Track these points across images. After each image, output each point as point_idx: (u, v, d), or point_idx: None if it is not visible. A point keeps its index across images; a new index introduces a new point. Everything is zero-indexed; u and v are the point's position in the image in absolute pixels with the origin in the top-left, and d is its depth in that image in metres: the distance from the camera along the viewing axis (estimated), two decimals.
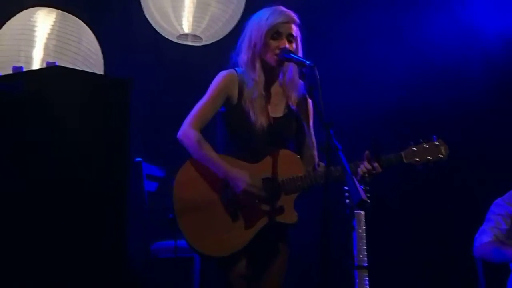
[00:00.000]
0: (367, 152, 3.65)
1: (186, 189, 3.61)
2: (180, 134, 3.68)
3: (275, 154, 3.66)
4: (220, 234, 3.56)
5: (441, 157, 3.73)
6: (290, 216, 3.62)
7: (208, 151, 3.62)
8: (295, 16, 3.76)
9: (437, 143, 3.75)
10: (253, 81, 3.71)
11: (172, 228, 3.62)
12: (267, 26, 3.69)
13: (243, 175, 3.55)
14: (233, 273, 3.62)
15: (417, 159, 3.71)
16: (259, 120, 3.68)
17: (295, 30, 3.74)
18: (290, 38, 3.71)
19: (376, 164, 3.63)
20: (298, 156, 3.76)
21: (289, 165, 3.65)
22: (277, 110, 3.80)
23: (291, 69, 3.78)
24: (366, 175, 3.62)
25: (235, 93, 3.73)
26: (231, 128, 3.75)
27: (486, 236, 4.50)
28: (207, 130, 3.73)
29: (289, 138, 3.81)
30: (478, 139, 5.66)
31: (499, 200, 4.63)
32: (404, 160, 3.70)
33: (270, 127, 3.71)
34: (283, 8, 3.77)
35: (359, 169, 3.62)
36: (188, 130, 3.66)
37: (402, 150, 3.72)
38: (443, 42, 6.06)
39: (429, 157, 3.72)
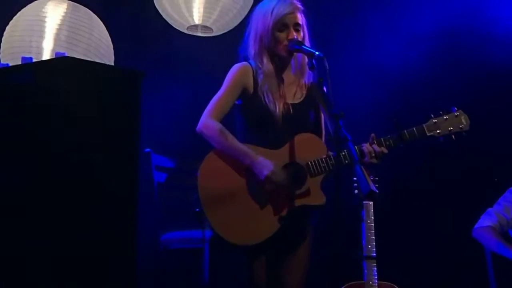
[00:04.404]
0: (372, 134, 3.66)
1: (211, 180, 3.59)
2: (200, 126, 3.66)
3: (297, 138, 3.66)
4: (249, 223, 3.55)
5: (462, 127, 3.71)
6: (317, 198, 3.60)
7: (232, 140, 3.61)
8: (299, 4, 3.78)
9: (456, 113, 3.73)
10: (262, 73, 3.73)
11: (199, 221, 3.61)
12: (273, 19, 3.70)
13: (268, 163, 3.54)
14: (258, 263, 3.66)
15: (439, 131, 3.70)
16: (278, 107, 3.69)
17: (300, 18, 3.75)
18: (297, 27, 3.73)
19: (376, 146, 3.64)
20: (320, 138, 3.77)
21: (311, 147, 3.64)
22: (295, 97, 3.81)
23: (300, 56, 3.80)
24: (373, 154, 3.62)
25: (250, 84, 3.74)
26: (250, 118, 3.75)
27: (488, 220, 4.53)
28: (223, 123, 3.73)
29: (309, 123, 3.80)
30: (487, 132, 5.65)
31: None
32: (427, 132, 3.69)
33: (289, 114, 3.72)
34: None
35: (364, 149, 3.61)
36: (208, 121, 3.65)
37: (423, 123, 3.72)
38: (452, 35, 6.06)
39: (450, 128, 3.70)
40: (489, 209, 4.63)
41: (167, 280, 5.57)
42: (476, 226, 4.60)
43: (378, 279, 3.78)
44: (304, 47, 3.60)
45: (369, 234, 3.79)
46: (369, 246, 3.78)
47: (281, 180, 3.55)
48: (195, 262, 5.20)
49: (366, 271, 3.78)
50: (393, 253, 4.72)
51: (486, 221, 4.56)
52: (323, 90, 3.40)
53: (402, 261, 5.38)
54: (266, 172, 3.52)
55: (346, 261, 3.18)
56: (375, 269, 3.77)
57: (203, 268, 5.09)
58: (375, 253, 3.77)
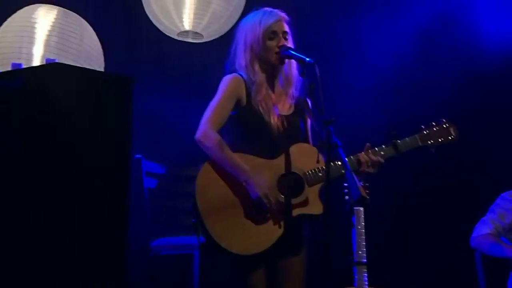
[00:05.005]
0: (367, 144, 3.69)
1: (210, 190, 3.58)
2: (200, 135, 3.64)
3: (293, 148, 3.68)
4: (249, 232, 3.55)
5: (452, 138, 3.85)
6: (316, 207, 3.62)
7: (229, 154, 3.61)
8: (284, 14, 3.83)
9: (445, 125, 3.85)
10: (254, 83, 3.74)
11: (196, 232, 3.60)
12: (263, 28, 3.74)
13: (262, 184, 3.56)
14: (256, 275, 3.66)
15: (430, 142, 3.80)
16: (273, 118, 3.71)
17: (286, 27, 3.81)
18: (285, 35, 3.78)
19: (372, 156, 3.67)
20: (316, 149, 3.77)
21: (308, 157, 3.65)
22: (285, 109, 3.83)
23: (286, 66, 3.82)
24: (369, 164, 3.65)
25: (243, 95, 3.75)
26: (246, 129, 3.75)
27: (485, 228, 4.53)
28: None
29: (300, 133, 3.83)
30: (477, 138, 5.67)
31: (506, 194, 4.65)
32: (419, 143, 3.80)
33: (283, 125, 3.74)
34: (271, 8, 3.84)
35: (360, 158, 3.66)
36: (208, 132, 3.63)
37: (415, 134, 3.82)
38: (440, 41, 6.09)
39: (441, 139, 3.83)
40: (483, 218, 4.63)
41: (157, 286, 5.57)
42: (473, 235, 4.58)
43: (369, 285, 3.78)
44: (294, 53, 3.62)
45: (359, 240, 3.79)
46: (360, 252, 3.78)
47: (273, 201, 3.56)
48: (185, 269, 5.20)
49: (357, 276, 3.78)
50: (384, 259, 4.72)
51: (483, 229, 4.55)
52: (314, 96, 3.41)
53: (393, 267, 5.38)
54: (258, 194, 3.53)
55: (337, 267, 3.19)
56: (366, 275, 3.77)
57: (193, 274, 5.09)
58: (366, 259, 3.78)
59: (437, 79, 6.01)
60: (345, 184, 3.67)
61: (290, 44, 3.77)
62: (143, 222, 5.22)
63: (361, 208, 3.83)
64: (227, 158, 3.60)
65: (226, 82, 3.78)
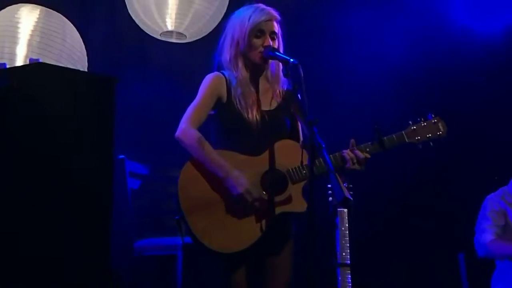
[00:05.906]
0: (352, 140, 3.68)
1: (192, 187, 3.57)
2: (179, 133, 3.63)
3: (277, 144, 3.66)
4: (232, 229, 3.54)
5: (440, 133, 3.78)
6: (299, 205, 3.61)
7: (209, 151, 3.59)
8: (276, 13, 3.80)
9: (434, 120, 3.79)
10: (236, 78, 3.73)
11: (179, 228, 3.59)
12: (250, 25, 3.71)
13: (242, 180, 3.53)
14: (238, 272, 3.65)
15: (418, 138, 3.75)
16: (251, 113, 3.69)
17: (276, 27, 3.78)
18: (273, 35, 3.75)
19: (358, 152, 3.65)
20: (300, 145, 3.76)
21: (291, 154, 3.63)
22: (270, 105, 3.81)
23: (274, 64, 3.81)
24: (355, 160, 3.64)
25: (224, 93, 3.74)
26: (226, 125, 3.74)
27: (488, 235, 4.52)
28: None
29: (285, 130, 3.81)
30: (461, 139, 5.68)
31: (492, 195, 4.65)
32: (406, 139, 3.74)
33: (264, 120, 3.72)
34: (264, 6, 3.80)
35: (345, 155, 3.64)
36: (187, 129, 3.62)
37: (402, 130, 3.76)
38: (429, 42, 6.10)
39: (429, 135, 3.76)
40: (480, 226, 4.59)
41: (140, 286, 5.55)
42: (480, 244, 4.55)
43: (352, 286, 3.78)
44: (278, 54, 3.61)
45: (343, 242, 3.79)
46: (344, 254, 3.78)
47: (256, 197, 3.55)
48: (169, 269, 5.19)
49: (340, 278, 3.78)
50: (367, 260, 4.72)
51: (487, 237, 4.52)
52: (298, 97, 3.40)
53: (377, 268, 5.39)
54: (240, 190, 3.51)
55: (321, 268, 3.18)
56: (350, 276, 3.77)
57: (177, 275, 5.08)
58: (350, 261, 3.77)
59: (429, 76, 6.01)
60: (329, 186, 3.66)
61: (278, 44, 3.77)
62: (127, 223, 5.20)
63: (345, 210, 3.82)
64: (206, 155, 3.58)
65: (207, 81, 3.78)
